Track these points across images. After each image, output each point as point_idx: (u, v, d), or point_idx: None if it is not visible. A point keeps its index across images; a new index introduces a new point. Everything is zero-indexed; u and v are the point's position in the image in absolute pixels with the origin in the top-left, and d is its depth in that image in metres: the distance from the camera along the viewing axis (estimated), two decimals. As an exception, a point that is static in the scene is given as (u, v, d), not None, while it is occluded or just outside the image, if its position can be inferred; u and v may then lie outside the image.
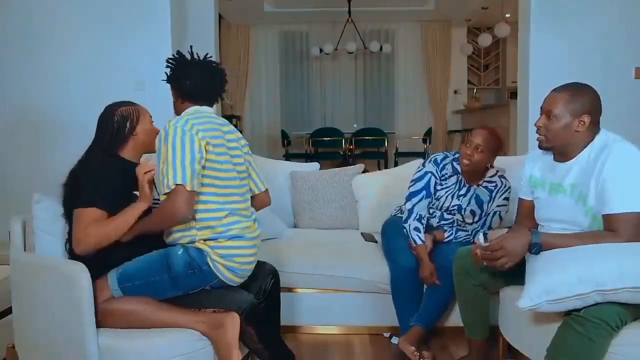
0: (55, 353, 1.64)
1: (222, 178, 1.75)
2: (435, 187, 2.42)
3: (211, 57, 1.91)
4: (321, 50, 8.38)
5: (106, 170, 1.77)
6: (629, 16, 3.98)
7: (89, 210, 1.69)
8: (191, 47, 1.91)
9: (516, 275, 1.76)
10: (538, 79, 4.01)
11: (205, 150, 1.70)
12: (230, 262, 1.72)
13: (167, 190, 1.63)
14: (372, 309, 2.51)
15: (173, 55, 1.88)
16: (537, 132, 1.82)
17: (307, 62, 9.10)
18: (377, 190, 3.02)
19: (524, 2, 4.14)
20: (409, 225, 2.39)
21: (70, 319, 1.57)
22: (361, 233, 2.90)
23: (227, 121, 1.92)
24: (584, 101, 1.73)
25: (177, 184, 1.62)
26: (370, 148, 7.81)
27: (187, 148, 1.66)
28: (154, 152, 1.91)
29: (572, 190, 1.75)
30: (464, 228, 2.47)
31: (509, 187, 2.42)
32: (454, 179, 2.41)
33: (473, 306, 2.02)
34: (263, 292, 1.88)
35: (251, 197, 1.96)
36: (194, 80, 1.83)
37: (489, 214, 2.44)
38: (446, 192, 2.41)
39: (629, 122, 3.73)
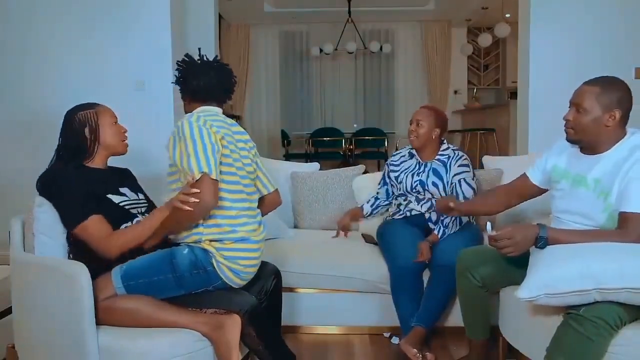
0: (55, 353, 1.64)
1: (232, 173, 1.76)
2: (389, 175, 2.72)
3: (220, 59, 1.91)
4: (321, 50, 8.38)
5: (75, 182, 1.74)
6: (629, 16, 3.96)
7: (90, 221, 1.69)
8: (199, 49, 1.91)
9: (518, 274, 1.76)
10: (538, 79, 3.99)
11: (221, 144, 1.71)
12: (234, 265, 1.72)
13: (197, 178, 1.61)
14: (372, 309, 2.51)
15: (182, 58, 1.88)
16: (565, 125, 1.80)
17: (307, 62, 9.10)
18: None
19: (524, 2, 4.13)
20: (366, 201, 2.82)
21: (70, 319, 1.57)
22: (362, 234, 2.89)
23: (235, 122, 1.92)
24: (616, 95, 1.70)
25: (202, 173, 1.62)
26: (370, 148, 7.82)
27: (206, 139, 1.66)
28: (122, 154, 1.91)
29: (595, 185, 1.73)
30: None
31: (463, 155, 2.59)
32: (412, 162, 2.66)
33: (474, 306, 2.02)
34: (265, 292, 1.87)
35: (261, 198, 1.95)
36: (201, 79, 1.82)
37: (453, 183, 2.52)
38: (405, 173, 2.63)
39: (630, 122, 3.71)
